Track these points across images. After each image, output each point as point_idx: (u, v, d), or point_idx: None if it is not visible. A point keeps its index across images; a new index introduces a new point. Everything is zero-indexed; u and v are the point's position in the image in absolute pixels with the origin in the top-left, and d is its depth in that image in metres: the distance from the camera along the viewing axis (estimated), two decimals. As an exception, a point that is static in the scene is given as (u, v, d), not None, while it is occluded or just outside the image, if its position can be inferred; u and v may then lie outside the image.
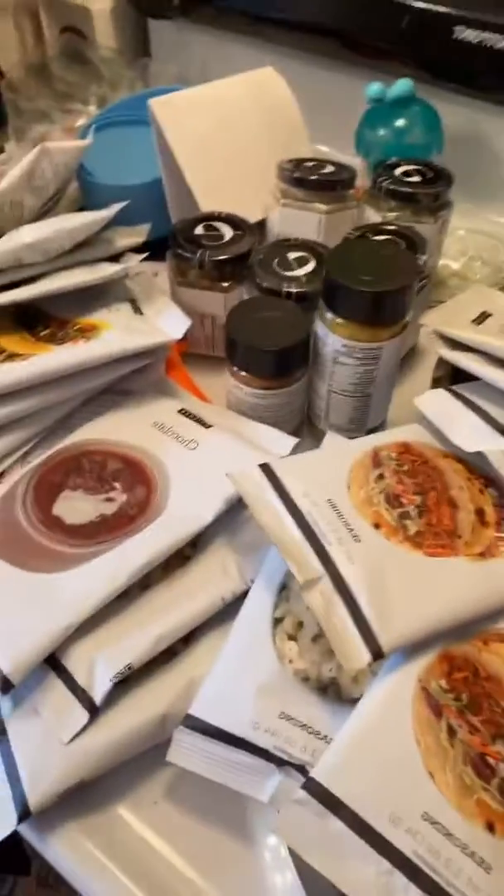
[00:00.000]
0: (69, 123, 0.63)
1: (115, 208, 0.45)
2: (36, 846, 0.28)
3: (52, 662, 0.30)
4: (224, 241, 0.45)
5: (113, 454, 0.39)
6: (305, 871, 0.26)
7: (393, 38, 0.56)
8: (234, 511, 0.36)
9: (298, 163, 0.49)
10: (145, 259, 0.46)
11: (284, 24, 0.64)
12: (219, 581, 0.33)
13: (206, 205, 0.48)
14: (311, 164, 0.49)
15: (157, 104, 0.47)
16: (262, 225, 0.50)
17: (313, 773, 0.25)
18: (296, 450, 0.38)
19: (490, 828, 0.24)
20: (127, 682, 0.30)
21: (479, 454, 0.34)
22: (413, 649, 0.28)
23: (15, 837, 0.27)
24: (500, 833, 0.24)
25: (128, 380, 0.43)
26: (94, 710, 0.29)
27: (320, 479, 0.33)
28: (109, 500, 0.36)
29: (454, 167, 0.51)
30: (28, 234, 0.42)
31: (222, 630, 0.32)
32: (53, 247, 0.43)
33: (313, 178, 0.47)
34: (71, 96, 0.67)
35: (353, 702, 0.27)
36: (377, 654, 0.27)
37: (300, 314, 0.39)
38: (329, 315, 0.37)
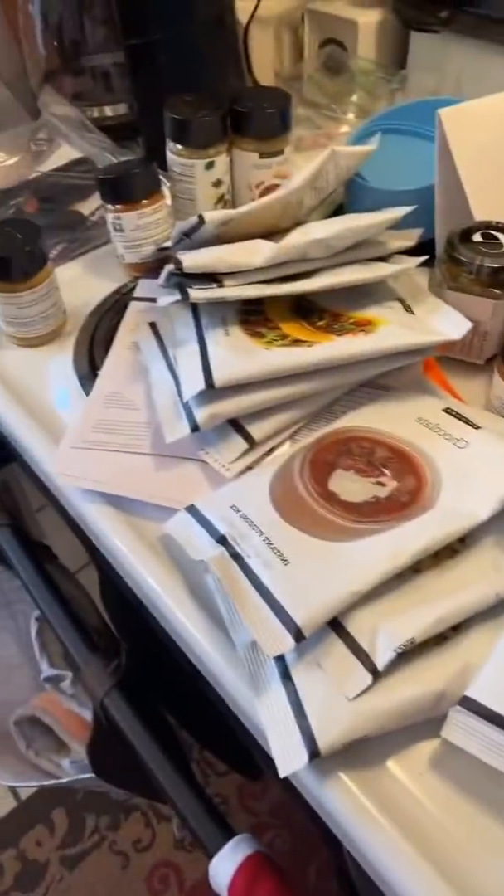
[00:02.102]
0: (329, 129, 0.67)
1: (400, 212, 0.47)
2: (310, 789, 0.30)
3: (333, 624, 0.33)
4: (502, 249, 0.45)
5: (380, 442, 0.41)
6: None
7: None
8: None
9: None
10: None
11: None
12: (492, 577, 0.34)
13: (480, 214, 0.49)
14: None
15: (445, 114, 0.49)
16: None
17: None
18: None
19: None
20: (404, 656, 0.31)
21: None
22: None
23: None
24: None
25: (387, 375, 0.45)
26: (376, 674, 0.31)
27: None
28: (380, 483, 0.38)
29: None
30: (319, 231, 0.45)
31: (492, 624, 0.33)
32: (339, 244, 0.46)
33: None
34: (328, 105, 0.71)
35: None
36: None
37: None
38: None
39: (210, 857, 0.35)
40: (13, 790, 1.13)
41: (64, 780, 0.50)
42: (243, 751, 0.59)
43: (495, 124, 0.50)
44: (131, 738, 0.39)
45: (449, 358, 0.49)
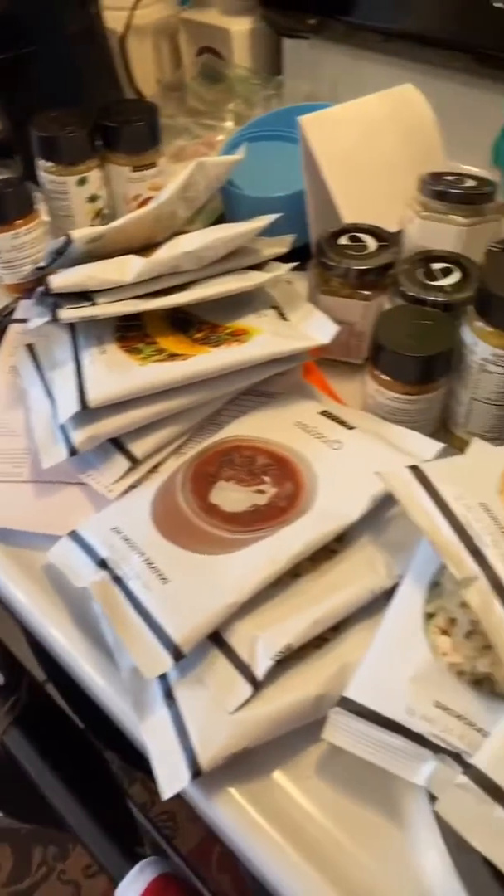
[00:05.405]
0: (208, 138, 0.67)
1: (266, 220, 0.48)
2: (200, 806, 0.30)
3: (215, 638, 0.33)
4: (368, 251, 0.47)
5: (261, 450, 0.41)
6: (457, 855, 0.28)
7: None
8: (379, 510, 0.37)
9: (439, 176, 0.50)
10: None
11: (418, 41, 0.65)
12: (367, 575, 0.35)
13: (348, 217, 0.50)
14: (452, 177, 0.50)
15: (306, 121, 0.50)
16: (396, 237, 0.52)
17: (474, 761, 0.26)
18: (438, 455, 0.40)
19: None
20: (284, 662, 0.32)
21: None
22: None
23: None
24: None
25: (268, 382, 0.45)
26: (256, 685, 0.31)
27: (471, 484, 0.34)
28: (260, 492, 0.38)
29: None
30: (188, 244, 0.45)
31: (370, 622, 0.34)
32: (209, 255, 0.46)
33: (455, 191, 0.48)
34: (208, 113, 0.71)
35: (508, 698, 0.28)
36: (537, 653, 0.27)
37: (447, 323, 0.41)
38: (480, 324, 0.38)
39: (115, 884, 0.34)
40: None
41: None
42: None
43: (355, 129, 0.52)
44: (32, 773, 0.38)
45: (331, 360, 0.51)
